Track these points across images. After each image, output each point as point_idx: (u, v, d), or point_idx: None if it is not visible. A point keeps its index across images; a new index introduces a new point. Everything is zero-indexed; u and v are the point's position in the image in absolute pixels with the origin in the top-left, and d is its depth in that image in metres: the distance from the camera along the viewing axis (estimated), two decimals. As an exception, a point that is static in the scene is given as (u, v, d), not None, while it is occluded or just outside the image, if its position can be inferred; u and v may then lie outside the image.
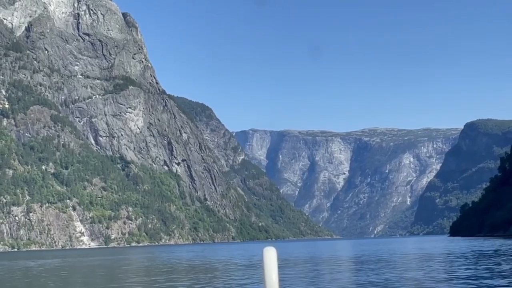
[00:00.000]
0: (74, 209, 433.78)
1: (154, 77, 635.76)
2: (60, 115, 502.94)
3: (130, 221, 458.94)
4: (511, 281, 37.75)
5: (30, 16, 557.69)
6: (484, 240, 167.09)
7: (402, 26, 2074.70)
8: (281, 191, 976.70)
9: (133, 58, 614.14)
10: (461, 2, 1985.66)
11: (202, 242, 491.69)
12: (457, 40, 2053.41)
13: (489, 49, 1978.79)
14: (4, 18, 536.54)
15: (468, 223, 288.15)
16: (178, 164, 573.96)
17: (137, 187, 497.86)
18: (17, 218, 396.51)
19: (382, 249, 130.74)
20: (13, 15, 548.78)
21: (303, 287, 40.73)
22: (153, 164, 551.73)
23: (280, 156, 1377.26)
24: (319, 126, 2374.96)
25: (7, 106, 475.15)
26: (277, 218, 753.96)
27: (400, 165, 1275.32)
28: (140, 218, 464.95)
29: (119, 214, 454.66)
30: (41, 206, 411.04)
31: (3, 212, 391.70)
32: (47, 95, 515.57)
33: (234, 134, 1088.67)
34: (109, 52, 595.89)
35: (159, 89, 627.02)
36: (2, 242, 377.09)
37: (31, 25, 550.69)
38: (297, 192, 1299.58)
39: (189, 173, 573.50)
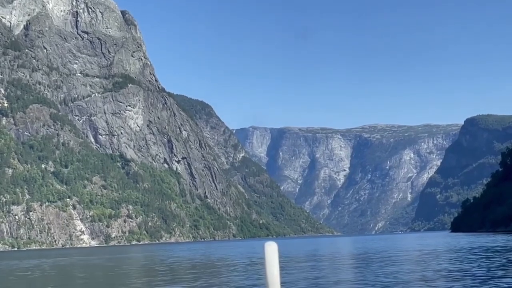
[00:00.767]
0: (74, 207, 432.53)
1: (154, 75, 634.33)
2: (60, 113, 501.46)
3: (131, 220, 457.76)
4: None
5: (29, 15, 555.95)
6: (488, 235, 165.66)
7: (402, 25, 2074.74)
8: (281, 188, 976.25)
9: (132, 56, 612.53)
10: (461, 2, 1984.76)
11: (202, 240, 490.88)
12: (458, 38, 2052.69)
13: (489, 46, 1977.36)
14: (3, 17, 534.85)
15: (469, 219, 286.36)
16: (178, 162, 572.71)
17: (137, 185, 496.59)
18: (17, 217, 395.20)
19: (392, 246, 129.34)
20: (11, 13, 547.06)
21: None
22: (153, 162, 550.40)
23: (281, 153, 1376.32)
24: (319, 123, 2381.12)
25: (6, 105, 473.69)
26: (278, 215, 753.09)
27: (401, 161, 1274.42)
28: (141, 216, 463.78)
29: (119, 212, 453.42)
30: (41, 205, 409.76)
31: (3, 211, 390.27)
32: (46, 93, 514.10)
33: (234, 131, 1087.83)
34: (108, 50, 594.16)
35: (158, 87, 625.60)
36: (2, 242, 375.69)
37: (29, 23, 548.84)
38: (297, 189, 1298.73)
39: (189, 170, 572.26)
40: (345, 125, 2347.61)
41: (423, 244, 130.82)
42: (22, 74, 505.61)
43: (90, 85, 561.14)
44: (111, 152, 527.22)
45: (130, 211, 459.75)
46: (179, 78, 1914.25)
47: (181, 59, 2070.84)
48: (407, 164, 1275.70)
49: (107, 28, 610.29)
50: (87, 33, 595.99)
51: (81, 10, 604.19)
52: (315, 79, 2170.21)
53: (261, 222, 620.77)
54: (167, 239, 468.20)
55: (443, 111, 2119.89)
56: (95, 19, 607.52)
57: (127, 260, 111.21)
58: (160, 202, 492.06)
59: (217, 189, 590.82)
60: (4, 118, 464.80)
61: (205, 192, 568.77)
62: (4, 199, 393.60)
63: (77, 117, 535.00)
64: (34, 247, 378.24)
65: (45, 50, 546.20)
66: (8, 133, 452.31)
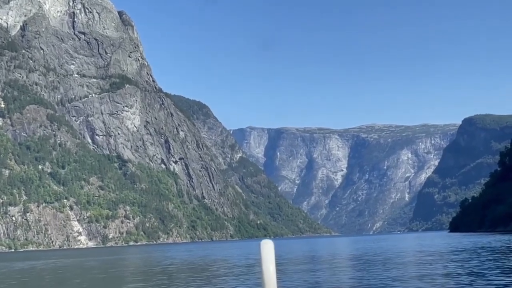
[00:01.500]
0: (71, 208, 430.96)
1: (151, 75, 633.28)
2: (56, 114, 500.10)
3: (128, 220, 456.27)
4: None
5: (25, 15, 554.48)
6: (488, 235, 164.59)
7: (399, 23, 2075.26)
8: (279, 188, 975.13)
9: (129, 56, 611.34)
10: (459, 2, 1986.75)
11: (200, 240, 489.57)
12: (455, 37, 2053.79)
13: (486, 45, 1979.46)
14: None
15: (468, 219, 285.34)
16: (176, 162, 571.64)
17: (135, 186, 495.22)
18: (14, 218, 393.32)
19: (393, 246, 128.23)
20: (8, 14, 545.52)
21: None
22: (151, 163, 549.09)
23: (278, 154, 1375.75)
24: (316, 123, 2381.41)
25: (3, 105, 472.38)
26: (276, 215, 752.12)
27: (398, 161, 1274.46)
28: (138, 217, 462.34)
29: (117, 213, 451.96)
30: (38, 206, 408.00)
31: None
32: (43, 94, 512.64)
33: (231, 132, 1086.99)
34: (105, 51, 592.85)
35: (155, 87, 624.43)
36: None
37: (26, 24, 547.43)
38: (295, 190, 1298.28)
39: (186, 171, 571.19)
40: (342, 125, 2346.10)
41: (423, 244, 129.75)
42: (19, 75, 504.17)
43: (87, 86, 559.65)
44: (108, 152, 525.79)
45: (128, 212, 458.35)
46: (176, 79, 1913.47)
47: (179, 59, 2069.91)
48: (405, 164, 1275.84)
49: (104, 29, 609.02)
50: (84, 33, 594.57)
51: (78, 11, 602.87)
52: (312, 79, 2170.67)
53: (258, 222, 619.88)
54: (165, 239, 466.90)
55: (440, 111, 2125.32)
56: (92, 20, 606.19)
57: (123, 261, 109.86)
58: (158, 202, 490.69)
59: (214, 189, 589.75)
60: (0, 119, 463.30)
61: (202, 193, 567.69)
62: (1, 200, 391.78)
63: (74, 118, 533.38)
64: (31, 248, 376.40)
65: (42, 51, 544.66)
66: (5, 134, 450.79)
